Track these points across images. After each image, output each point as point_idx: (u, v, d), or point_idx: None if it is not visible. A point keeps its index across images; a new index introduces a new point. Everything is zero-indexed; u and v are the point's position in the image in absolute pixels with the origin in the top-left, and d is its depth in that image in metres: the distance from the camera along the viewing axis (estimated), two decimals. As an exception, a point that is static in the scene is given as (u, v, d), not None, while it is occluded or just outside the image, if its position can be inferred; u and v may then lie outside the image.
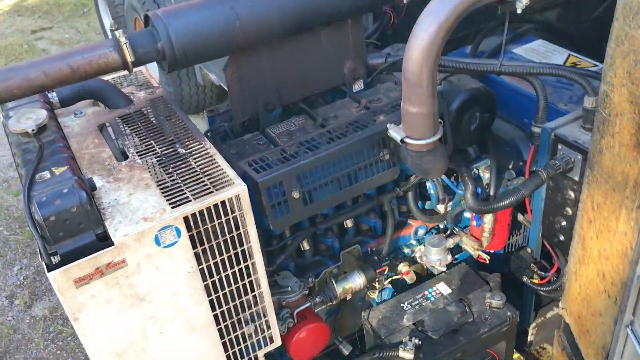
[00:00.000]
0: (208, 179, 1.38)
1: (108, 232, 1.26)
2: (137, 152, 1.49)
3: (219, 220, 1.35)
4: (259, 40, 1.61)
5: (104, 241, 1.26)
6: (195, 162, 1.44)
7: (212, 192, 1.34)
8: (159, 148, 1.50)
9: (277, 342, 1.62)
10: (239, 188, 1.34)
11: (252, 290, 1.49)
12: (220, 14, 1.53)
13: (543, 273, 1.87)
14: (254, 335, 1.56)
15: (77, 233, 1.25)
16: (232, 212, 1.35)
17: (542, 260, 1.92)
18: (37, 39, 7.79)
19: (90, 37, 7.62)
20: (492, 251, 1.98)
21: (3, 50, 7.45)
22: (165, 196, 1.34)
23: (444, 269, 1.94)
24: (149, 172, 1.41)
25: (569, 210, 1.66)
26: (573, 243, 1.60)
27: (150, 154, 1.48)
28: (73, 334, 3.40)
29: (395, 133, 1.46)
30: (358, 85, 1.89)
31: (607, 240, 1.40)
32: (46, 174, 1.30)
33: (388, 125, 1.51)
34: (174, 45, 1.49)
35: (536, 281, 1.89)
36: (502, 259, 2.10)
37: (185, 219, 1.30)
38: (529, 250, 1.93)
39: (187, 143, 1.51)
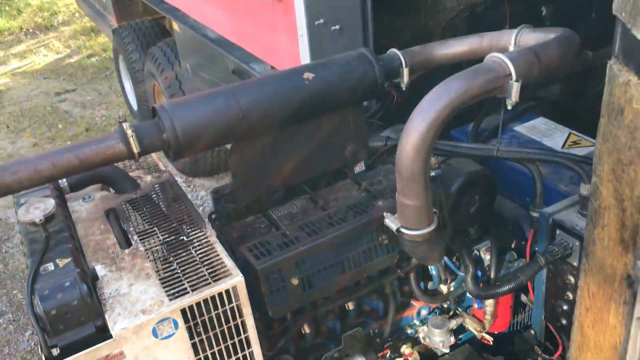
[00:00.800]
0: (207, 269, 1.41)
1: (107, 324, 1.29)
2: (140, 239, 1.53)
3: (216, 311, 1.37)
4: (261, 128, 1.67)
5: (104, 333, 1.29)
6: (195, 251, 1.48)
7: (209, 283, 1.37)
8: (162, 235, 1.55)
9: None
10: (236, 279, 1.37)
11: (250, 379, 1.50)
12: (224, 105, 1.59)
13: (547, 356, 1.85)
14: (252, 421, 1.56)
15: (77, 325, 1.28)
16: (230, 302, 1.38)
17: (546, 342, 1.90)
18: (61, 101, 8.05)
19: (111, 99, 7.87)
20: (496, 332, 1.97)
21: (27, 112, 7.71)
22: (164, 287, 1.37)
23: (447, 351, 1.93)
24: (150, 261, 1.45)
25: (570, 295, 1.66)
26: (573, 329, 1.59)
27: (152, 240, 1.53)
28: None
29: (391, 223, 1.50)
30: (359, 167, 1.94)
31: (600, 331, 1.40)
32: (50, 266, 1.35)
33: (385, 214, 1.54)
34: (178, 136, 1.55)
35: (540, 364, 1.87)
36: (506, 339, 2.08)
37: (183, 311, 1.33)
38: (532, 332, 1.91)
39: (188, 230, 1.55)
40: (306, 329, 1.78)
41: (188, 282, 1.38)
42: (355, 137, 1.89)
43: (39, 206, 1.50)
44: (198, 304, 1.34)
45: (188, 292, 1.35)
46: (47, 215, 1.48)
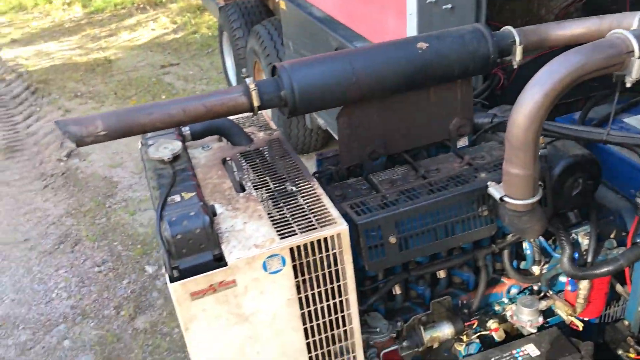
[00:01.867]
0: (313, 216, 1.51)
1: (223, 254, 1.41)
2: (253, 186, 1.65)
3: (320, 255, 1.47)
4: (371, 94, 1.74)
5: (219, 262, 1.41)
6: (303, 200, 1.58)
7: (316, 228, 1.46)
8: (272, 184, 1.66)
9: (361, 379, 1.70)
10: (341, 227, 1.46)
11: (344, 325, 1.59)
12: (339, 68, 1.68)
13: (640, 348, 1.83)
14: (340, 369, 1.65)
15: (197, 252, 1.41)
16: (333, 248, 1.47)
17: None
18: (165, 74, 8.44)
19: (211, 75, 8.18)
20: (586, 319, 1.96)
21: (134, 82, 8.15)
22: (275, 227, 1.48)
23: (534, 331, 1.94)
24: (262, 205, 1.57)
25: (670, 286, 1.64)
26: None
27: (264, 188, 1.64)
28: (169, 349, 3.62)
29: (495, 191, 1.53)
30: (462, 142, 1.97)
31: None
32: (177, 198, 1.48)
33: (489, 183, 1.58)
34: (295, 95, 1.65)
35: (632, 356, 1.85)
36: (596, 329, 2.06)
37: (291, 250, 1.43)
38: (626, 322, 1.89)
39: (297, 182, 1.66)
40: (397, 290, 1.84)
41: (297, 225, 1.48)
42: (462, 112, 1.93)
43: (167, 146, 1.64)
44: (305, 245, 1.44)
45: (297, 234, 1.45)
46: (175, 154, 1.62)
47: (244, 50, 6.39)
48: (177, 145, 1.65)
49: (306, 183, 1.64)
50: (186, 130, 1.85)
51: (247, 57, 6.11)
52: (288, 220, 1.51)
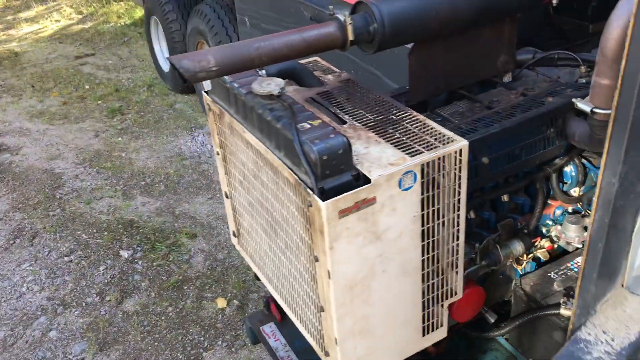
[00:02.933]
0: (429, 137, 1.60)
1: (362, 172, 1.47)
2: (352, 118, 1.71)
3: (442, 172, 1.56)
4: (445, 28, 1.85)
5: (358, 182, 1.47)
6: (410, 125, 1.66)
7: (439, 146, 1.55)
8: (370, 115, 1.72)
9: (459, 295, 1.81)
10: (462, 143, 1.56)
11: (453, 241, 1.69)
12: (422, 3, 1.77)
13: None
14: (443, 285, 1.76)
15: (339, 173, 1.46)
16: (454, 164, 1.57)
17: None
18: (82, 64, 8.06)
19: (134, 63, 7.92)
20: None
21: (50, 73, 7.72)
22: (399, 149, 1.55)
23: (580, 246, 2.15)
24: (373, 132, 1.63)
25: None
26: None
27: (364, 119, 1.70)
28: (168, 327, 3.55)
29: (584, 105, 1.70)
30: (507, 77, 2.14)
31: None
32: (306, 125, 1.52)
33: (575, 100, 1.74)
34: (385, 28, 1.72)
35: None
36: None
37: (422, 167, 1.52)
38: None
39: (394, 111, 1.74)
40: (472, 215, 1.97)
41: (418, 146, 1.56)
42: (508, 49, 2.09)
43: (269, 83, 1.66)
44: (433, 162, 1.53)
45: (423, 152, 1.53)
46: (282, 89, 1.64)
47: (180, 32, 6.26)
48: (280, 82, 1.67)
49: (404, 112, 1.73)
50: (263, 73, 1.86)
51: (188, 39, 6.00)
52: (406, 142, 1.58)
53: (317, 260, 1.54)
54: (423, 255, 1.66)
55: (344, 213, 1.45)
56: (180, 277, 3.93)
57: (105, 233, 4.39)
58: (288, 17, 4.12)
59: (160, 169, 5.25)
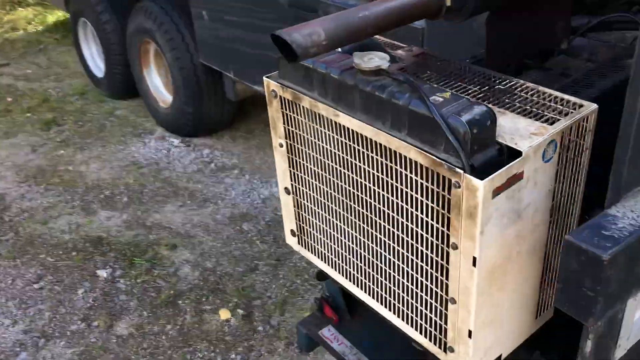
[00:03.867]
0: (553, 104, 1.49)
1: (506, 145, 1.33)
2: (456, 91, 1.57)
3: (576, 139, 1.46)
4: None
5: (501, 156, 1.34)
6: (524, 93, 1.54)
7: (572, 111, 1.45)
8: (474, 87, 1.59)
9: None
10: (593, 107, 1.46)
11: (572, 215, 1.59)
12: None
13: None
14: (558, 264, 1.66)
15: (485, 148, 1.31)
16: (585, 129, 1.47)
17: None
18: (-2, 75, 7.39)
19: (56, 71, 7.42)
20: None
21: (-38, 87, 7.01)
22: (530, 118, 1.43)
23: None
24: (489, 103, 1.50)
25: None
26: None
27: (469, 91, 1.57)
28: (172, 346, 3.28)
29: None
30: (564, 45, 2.07)
31: None
32: (438, 98, 1.36)
33: None
34: (472, -6, 1.60)
35: None
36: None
37: (562, 135, 1.40)
38: None
39: (497, 80, 1.61)
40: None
41: (549, 113, 1.45)
42: (564, 14, 2.02)
43: (372, 57, 1.48)
44: (569, 129, 1.42)
45: (561, 119, 1.42)
46: (389, 61, 1.48)
47: (116, 33, 5.87)
48: (383, 55, 1.50)
49: (509, 80, 1.61)
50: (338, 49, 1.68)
51: (130, 40, 5.62)
52: (533, 111, 1.46)
53: (455, 247, 1.39)
54: (549, 232, 1.55)
55: (497, 192, 1.31)
56: (172, 292, 3.63)
57: (74, 253, 3.99)
58: (260, 6, 3.91)
59: (118, 180, 4.86)
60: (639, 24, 2.03)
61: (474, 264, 1.37)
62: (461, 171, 1.29)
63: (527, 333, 1.72)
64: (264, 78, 1.78)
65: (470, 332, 1.48)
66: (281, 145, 1.84)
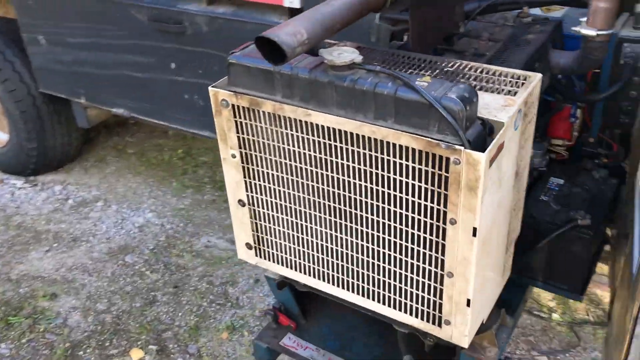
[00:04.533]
0: (505, 78, 1.62)
1: (487, 119, 1.43)
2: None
3: (529, 106, 1.61)
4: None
5: (485, 129, 1.43)
6: (475, 72, 1.66)
7: (524, 82, 1.59)
8: (426, 72, 1.67)
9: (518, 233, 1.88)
10: (539, 76, 1.62)
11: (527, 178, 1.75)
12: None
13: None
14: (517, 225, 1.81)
15: (472, 123, 1.40)
16: (534, 98, 1.62)
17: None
18: None
19: None
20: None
21: None
22: (492, 93, 1.55)
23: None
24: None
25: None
26: None
27: (421, 77, 1.65)
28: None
29: (588, 30, 1.88)
30: (462, 29, 2.25)
31: None
32: (422, 83, 1.41)
33: (577, 28, 1.91)
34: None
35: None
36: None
37: (525, 104, 1.54)
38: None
39: (442, 64, 1.71)
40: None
41: (505, 86, 1.58)
42: (459, 1, 2.20)
43: (342, 52, 1.49)
44: (526, 98, 1.56)
45: (519, 90, 1.55)
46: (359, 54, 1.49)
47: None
48: (351, 48, 1.51)
49: (451, 62, 1.71)
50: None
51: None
52: (492, 87, 1.58)
53: (454, 223, 1.46)
54: (514, 195, 1.69)
55: (491, 162, 1.40)
56: (67, 344, 3.28)
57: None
58: (114, 24, 3.67)
59: (-40, 238, 4.25)
60: (520, 3, 2.27)
61: (474, 234, 1.45)
62: (461, 148, 1.36)
63: (498, 294, 1.85)
64: (210, 88, 1.69)
65: (468, 301, 1.57)
66: (233, 156, 1.77)
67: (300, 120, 1.57)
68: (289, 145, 1.65)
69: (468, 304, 1.57)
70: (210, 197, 4.63)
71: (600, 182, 2.23)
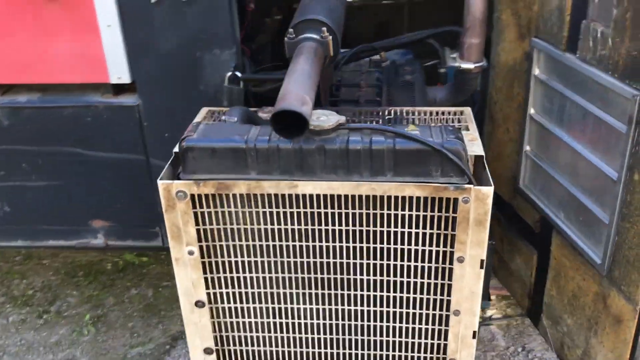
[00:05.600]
0: (444, 116, 1.71)
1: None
2: (364, 131, 1.63)
3: (470, 139, 1.72)
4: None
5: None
6: (413, 116, 1.72)
7: (462, 117, 1.70)
8: (372, 120, 1.68)
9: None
10: (469, 109, 1.75)
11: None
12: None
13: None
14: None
15: (465, 161, 1.45)
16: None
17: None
18: None
19: None
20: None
21: None
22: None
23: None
24: (403, 131, 1.63)
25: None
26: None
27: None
28: None
29: (466, 64, 2.07)
30: (335, 79, 2.31)
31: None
32: (415, 132, 1.41)
33: (457, 63, 2.09)
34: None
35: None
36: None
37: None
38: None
39: (380, 114, 1.73)
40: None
41: (454, 123, 1.67)
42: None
43: (326, 115, 1.41)
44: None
45: (467, 124, 1.65)
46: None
47: None
48: (328, 112, 1.43)
49: (383, 110, 1.75)
50: (228, 117, 1.54)
51: None
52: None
53: (461, 260, 1.48)
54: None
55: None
56: None
57: None
58: None
59: None
60: (376, 49, 2.41)
61: (482, 266, 1.49)
62: (470, 186, 1.39)
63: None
64: (159, 182, 1.45)
65: (474, 333, 1.59)
66: (191, 253, 1.53)
67: (283, 195, 1.44)
68: (265, 224, 1.49)
69: (474, 336, 1.60)
70: (17, 317, 3.88)
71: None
